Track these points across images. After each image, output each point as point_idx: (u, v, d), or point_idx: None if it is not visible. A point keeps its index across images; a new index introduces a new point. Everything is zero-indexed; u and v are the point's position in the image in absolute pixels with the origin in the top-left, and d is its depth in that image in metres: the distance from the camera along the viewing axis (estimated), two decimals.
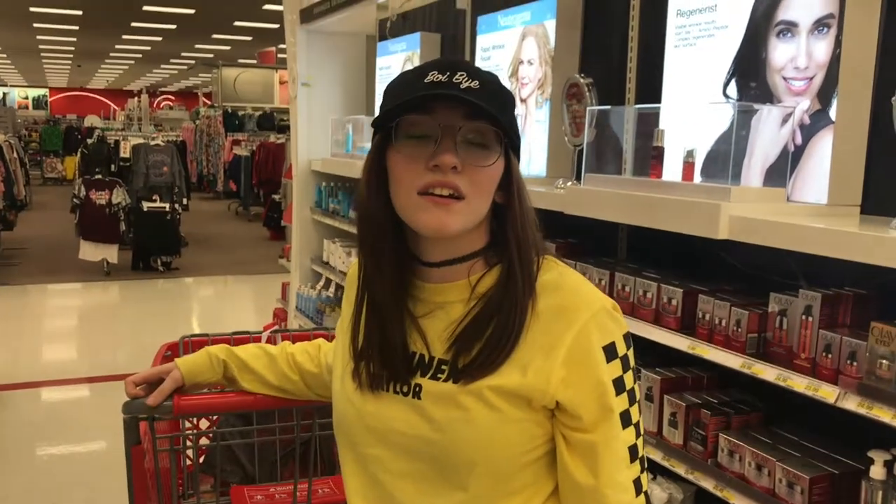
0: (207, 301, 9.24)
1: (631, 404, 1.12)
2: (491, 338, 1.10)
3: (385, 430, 1.15)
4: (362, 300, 1.20)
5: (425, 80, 1.09)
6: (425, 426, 1.12)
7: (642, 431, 1.15)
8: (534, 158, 3.25)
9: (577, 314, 1.09)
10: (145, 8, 16.37)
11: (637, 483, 1.12)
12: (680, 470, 2.19)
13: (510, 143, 1.12)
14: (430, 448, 1.12)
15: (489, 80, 1.12)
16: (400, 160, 1.11)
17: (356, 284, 1.24)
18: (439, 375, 1.12)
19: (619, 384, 1.10)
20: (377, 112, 1.16)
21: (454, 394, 1.10)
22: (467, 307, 1.13)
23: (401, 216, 1.13)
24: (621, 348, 1.12)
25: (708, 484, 2.09)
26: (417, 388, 1.13)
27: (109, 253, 9.61)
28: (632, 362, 1.13)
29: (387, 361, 1.16)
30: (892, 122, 1.74)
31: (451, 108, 1.08)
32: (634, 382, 1.13)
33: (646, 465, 1.15)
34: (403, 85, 1.13)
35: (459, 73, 1.09)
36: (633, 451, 1.11)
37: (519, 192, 1.14)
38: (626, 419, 1.11)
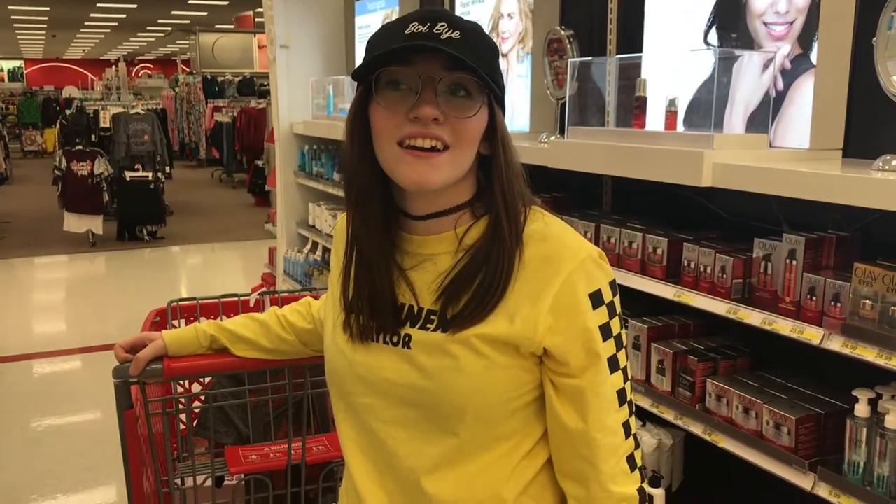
0: (195, 269, 9.22)
1: (618, 349, 1.13)
2: (479, 288, 1.11)
3: (376, 380, 1.17)
4: (351, 254, 1.21)
5: (406, 32, 1.08)
6: (415, 374, 1.13)
7: (630, 377, 1.16)
8: (516, 113, 3.24)
9: (563, 262, 1.10)
10: None
11: (626, 426, 1.14)
12: (669, 416, 2.23)
13: (493, 93, 1.12)
14: (420, 396, 1.13)
15: (471, 29, 1.11)
16: (381, 112, 1.10)
17: (344, 238, 1.25)
18: (428, 325, 1.13)
19: (605, 330, 1.12)
20: None
21: (443, 343, 1.11)
22: (455, 259, 1.14)
23: (384, 169, 1.13)
24: (607, 295, 1.13)
25: (696, 429, 2.13)
26: (407, 338, 1.15)
27: (94, 224, 9.55)
28: (618, 309, 1.15)
29: (376, 313, 1.17)
30: (872, 64, 1.74)
31: (431, 59, 1.07)
32: (621, 328, 1.15)
33: (634, 409, 1.16)
34: (384, 36, 1.12)
35: (440, 24, 1.08)
36: (621, 394, 1.13)
37: (504, 142, 1.14)
38: (613, 364, 1.12)
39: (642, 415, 2.31)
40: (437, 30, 1.07)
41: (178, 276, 8.87)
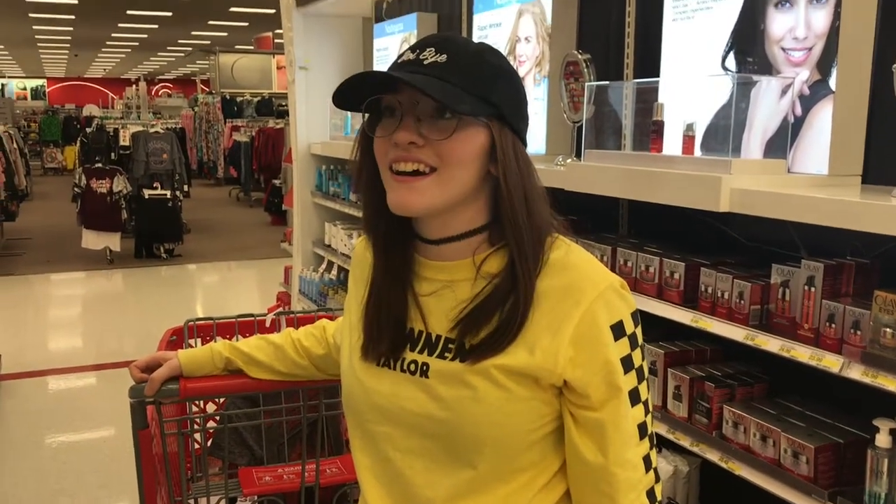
0: (211, 287, 9.26)
1: (639, 382, 1.11)
2: (498, 319, 1.09)
3: (392, 408, 1.16)
4: (371, 280, 1.21)
5: (399, 61, 1.11)
6: (433, 405, 1.12)
7: (651, 408, 1.15)
8: (533, 136, 3.24)
9: (584, 293, 1.09)
10: None
11: (646, 460, 1.12)
12: (685, 442, 2.20)
13: (491, 112, 1.09)
14: (438, 426, 1.12)
15: (467, 50, 1.10)
16: (376, 140, 1.12)
17: (362, 262, 1.25)
18: (446, 354, 1.12)
19: (627, 362, 1.10)
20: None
21: (461, 373, 1.10)
22: (474, 287, 1.13)
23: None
24: (629, 326, 1.11)
25: (713, 456, 2.11)
26: (425, 367, 1.14)
27: (112, 241, 9.63)
28: (640, 340, 1.13)
29: (391, 339, 1.16)
30: (892, 90, 1.73)
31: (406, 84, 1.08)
32: (643, 360, 1.13)
33: (655, 442, 1.15)
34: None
35: (429, 49, 1.09)
36: (641, 428, 1.12)
37: (506, 163, 1.10)
38: (634, 397, 1.10)
39: (658, 441, 2.29)
40: (423, 55, 1.09)
41: (195, 293, 8.90)
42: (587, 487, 1.12)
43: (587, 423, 1.10)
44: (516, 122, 1.13)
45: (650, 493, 1.12)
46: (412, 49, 1.11)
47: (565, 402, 1.11)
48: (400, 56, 1.13)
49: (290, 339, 1.58)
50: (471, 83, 1.07)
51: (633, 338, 1.11)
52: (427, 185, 1.08)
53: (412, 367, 1.15)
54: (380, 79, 1.10)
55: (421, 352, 1.15)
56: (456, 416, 1.10)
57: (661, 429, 2.27)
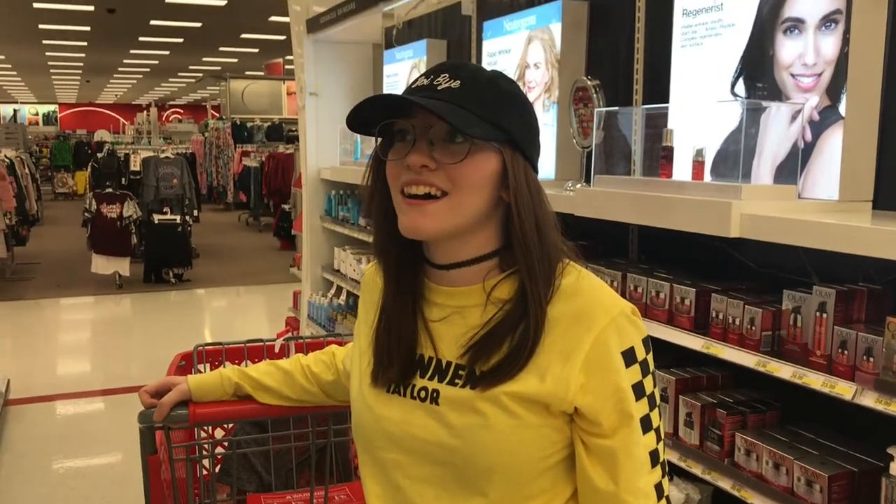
0: (220, 312, 9.26)
1: (651, 409, 1.11)
2: (509, 345, 1.09)
3: (402, 436, 1.15)
4: (380, 306, 1.21)
5: (412, 86, 1.12)
6: (444, 432, 1.11)
7: (663, 436, 1.14)
8: (542, 161, 3.24)
9: (595, 319, 1.08)
10: (152, 22, 16.47)
11: (658, 488, 1.11)
12: (696, 470, 2.18)
13: (503, 138, 1.10)
14: (448, 454, 1.11)
15: (480, 76, 1.12)
16: (388, 163, 1.13)
17: (372, 288, 1.25)
18: (457, 381, 1.12)
19: (638, 389, 1.09)
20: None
21: (472, 400, 1.09)
22: (484, 313, 1.12)
23: None
24: (640, 353, 1.10)
25: (725, 484, 2.08)
26: (435, 394, 1.13)
27: (121, 266, 9.65)
28: (651, 366, 1.12)
29: (401, 365, 1.16)
30: None
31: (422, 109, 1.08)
32: (654, 387, 1.12)
33: (667, 470, 1.14)
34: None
35: (443, 75, 1.10)
36: (653, 455, 1.11)
37: (517, 189, 1.10)
38: (646, 424, 1.10)
39: (670, 468, 2.27)
40: (437, 81, 1.10)
41: (203, 318, 8.91)
42: None
43: (598, 450, 1.09)
44: (528, 148, 1.14)
45: None
46: (426, 75, 1.12)
47: (576, 430, 1.11)
48: (414, 81, 1.14)
49: (299, 365, 1.58)
50: (484, 109, 1.08)
51: (644, 364, 1.11)
52: (438, 208, 1.08)
53: (422, 393, 1.14)
54: (394, 102, 1.11)
55: (431, 378, 1.14)
56: (466, 444, 1.09)
57: (673, 456, 2.25)
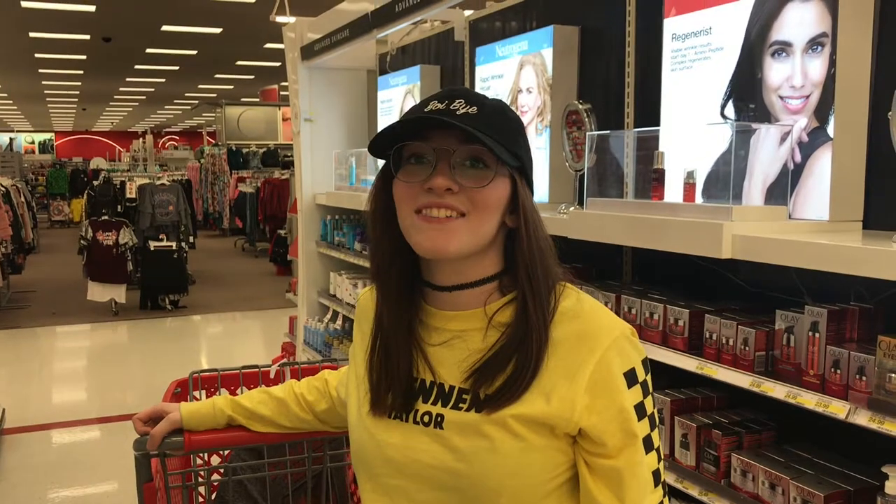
0: (216, 338, 9.24)
1: (652, 429, 1.12)
2: (513, 368, 1.10)
3: (406, 461, 1.15)
4: (376, 330, 1.22)
5: (426, 110, 1.13)
6: (449, 456, 1.12)
7: (663, 456, 1.15)
8: (536, 185, 3.26)
9: (598, 341, 1.10)
10: (148, 50, 16.57)
11: None
12: (693, 492, 2.18)
13: (517, 166, 1.14)
14: (454, 478, 1.11)
15: (491, 105, 1.14)
16: (401, 185, 1.14)
17: (368, 314, 1.26)
18: (461, 405, 1.13)
19: (640, 409, 1.11)
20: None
21: (477, 423, 1.10)
22: (485, 336, 1.14)
23: (405, 238, 1.15)
24: (641, 374, 1.12)
25: None
26: (440, 418, 1.14)
27: (117, 293, 9.64)
28: (651, 387, 1.14)
29: (403, 391, 1.17)
30: (889, 137, 1.75)
31: (447, 133, 1.11)
32: (654, 407, 1.14)
33: (667, 490, 1.15)
34: (407, 114, 1.16)
35: (458, 101, 1.12)
36: (656, 475, 1.12)
37: (526, 214, 1.14)
38: (648, 444, 1.11)
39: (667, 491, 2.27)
40: (454, 106, 1.11)
41: (200, 345, 8.89)
42: None
43: (603, 471, 1.10)
44: (531, 176, 1.18)
45: None
46: (439, 99, 1.13)
47: (580, 451, 1.12)
48: (424, 104, 1.14)
49: (293, 394, 1.57)
50: (501, 135, 1.11)
51: (644, 385, 1.13)
52: (458, 226, 1.10)
53: (426, 418, 1.15)
54: (431, 123, 1.11)
55: (434, 403, 1.15)
56: (473, 468, 1.10)
57: (670, 478, 2.24)
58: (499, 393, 1.10)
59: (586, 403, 1.08)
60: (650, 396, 1.13)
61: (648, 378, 1.14)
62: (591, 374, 1.09)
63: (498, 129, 1.11)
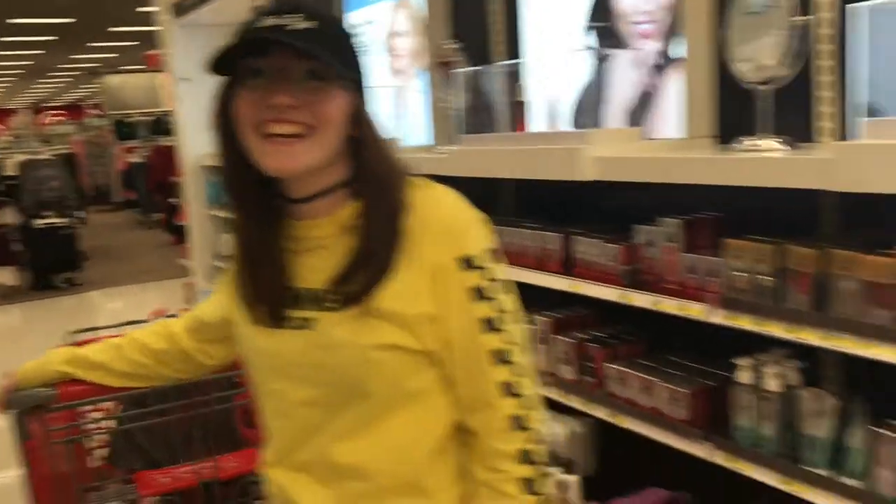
0: (115, 313, 8.98)
1: (494, 312, 1.20)
2: (371, 265, 1.17)
3: (282, 364, 1.23)
4: (242, 246, 1.26)
5: (265, 24, 1.12)
6: (319, 353, 1.19)
7: (516, 342, 1.23)
8: (417, 128, 3.30)
9: (443, 227, 1.19)
10: (10, 21, 15.67)
11: (507, 385, 1.21)
12: (577, 404, 2.30)
13: (353, 77, 1.17)
14: (325, 373, 1.20)
15: (329, 20, 1.17)
16: (241, 103, 1.15)
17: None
18: (329, 305, 1.19)
19: (481, 292, 1.19)
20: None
21: (343, 320, 1.18)
22: (344, 240, 1.19)
23: (253, 159, 1.17)
24: (483, 259, 1.20)
25: (603, 413, 2.21)
26: (312, 321, 1.20)
27: (4, 276, 9.25)
28: (497, 275, 1.22)
29: (276, 300, 1.22)
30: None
31: (285, 48, 1.12)
32: (503, 294, 1.22)
33: (523, 371, 1.23)
34: (244, 27, 1.16)
35: (297, 15, 1.13)
36: (497, 354, 1.21)
37: (367, 121, 1.20)
38: (490, 324, 1.20)
39: (553, 405, 2.38)
40: (293, 20, 1.13)
41: (98, 321, 8.58)
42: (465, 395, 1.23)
43: (451, 350, 1.20)
44: (366, 89, 1.22)
45: (515, 418, 1.21)
46: (275, 14, 1.13)
47: (432, 333, 1.20)
48: (259, 19, 1.14)
49: (129, 339, 1.60)
50: (339, 50, 1.15)
51: (486, 270, 1.20)
52: (306, 146, 1.14)
53: (299, 322, 1.21)
54: (264, 41, 1.12)
55: (306, 308, 1.21)
56: (339, 359, 1.18)
57: (555, 394, 2.36)
58: (360, 289, 1.17)
59: (430, 288, 1.17)
60: (498, 283, 1.22)
61: (493, 267, 1.22)
62: (435, 261, 1.17)
63: (336, 43, 1.15)
